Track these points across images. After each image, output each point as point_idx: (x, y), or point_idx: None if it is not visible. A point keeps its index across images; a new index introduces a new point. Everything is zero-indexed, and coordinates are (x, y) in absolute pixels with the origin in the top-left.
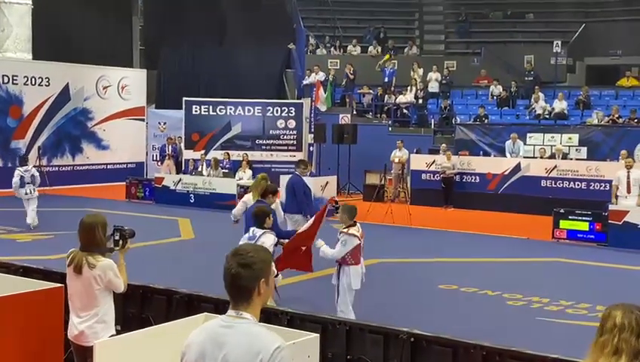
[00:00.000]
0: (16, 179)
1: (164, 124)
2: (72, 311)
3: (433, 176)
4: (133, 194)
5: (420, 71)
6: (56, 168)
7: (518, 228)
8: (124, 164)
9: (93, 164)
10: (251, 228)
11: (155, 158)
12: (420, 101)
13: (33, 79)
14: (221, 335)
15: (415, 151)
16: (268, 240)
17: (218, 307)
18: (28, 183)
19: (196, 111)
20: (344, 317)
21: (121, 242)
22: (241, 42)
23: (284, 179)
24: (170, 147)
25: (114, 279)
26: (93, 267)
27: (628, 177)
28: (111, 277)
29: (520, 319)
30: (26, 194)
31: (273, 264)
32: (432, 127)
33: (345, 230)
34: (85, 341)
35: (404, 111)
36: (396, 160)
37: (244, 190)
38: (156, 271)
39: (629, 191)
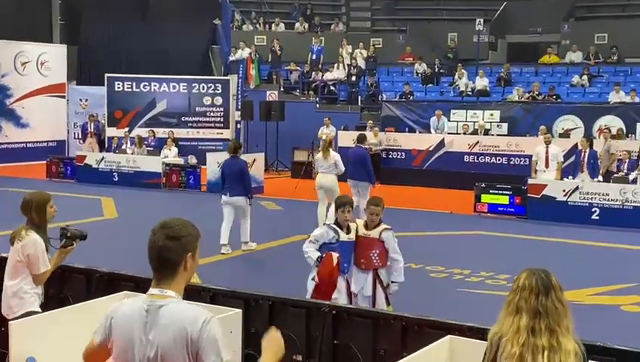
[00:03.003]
0: None
1: (86, 101)
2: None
3: None
4: (54, 173)
5: (349, 47)
6: None
7: (442, 203)
8: (44, 142)
9: (12, 143)
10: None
11: (76, 136)
12: (354, 78)
13: None
14: (147, 321)
15: (342, 128)
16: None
17: (139, 285)
18: None
19: (119, 87)
20: (266, 293)
21: (64, 241)
22: (165, 17)
23: (211, 157)
24: (92, 125)
25: (32, 255)
26: (19, 240)
27: (547, 152)
28: (30, 252)
29: (442, 290)
30: None
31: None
32: (359, 104)
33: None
34: (5, 313)
35: (332, 88)
36: (324, 137)
37: (169, 168)
38: (77, 252)
39: (547, 166)
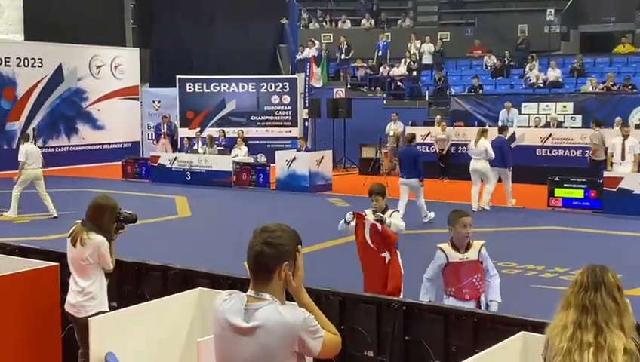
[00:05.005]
0: None
1: (159, 102)
2: (70, 280)
3: (428, 148)
4: (129, 174)
5: (418, 43)
6: (52, 149)
7: (514, 197)
8: (119, 143)
9: (88, 145)
10: None
11: (150, 137)
12: (415, 73)
13: (26, 60)
14: (248, 321)
15: (410, 123)
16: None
17: (214, 281)
18: None
19: (190, 89)
20: (337, 289)
21: (116, 224)
22: (233, 18)
23: (280, 155)
24: (165, 125)
25: (102, 255)
26: (84, 244)
27: (623, 144)
28: (102, 252)
29: (515, 287)
30: None
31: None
32: (427, 99)
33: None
34: (75, 311)
35: (399, 83)
36: (391, 133)
37: (239, 167)
38: (154, 250)
39: (623, 158)
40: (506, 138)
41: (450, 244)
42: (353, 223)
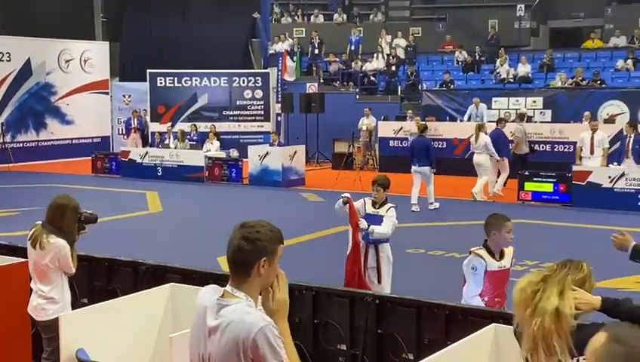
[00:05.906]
0: None
1: (129, 97)
2: (31, 283)
3: (401, 143)
4: (99, 169)
5: (388, 37)
6: (21, 144)
7: (485, 192)
8: (89, 138)
9: (57, 140)
10: None
11: (120, 132)
12: (393, 68)
13: None
14: (215, 317)
15: (382, 118)
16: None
17: (185, 277)
18: None
19: (161, 83)
20: (310, 283)
21: (77, 225)
22: (204, 12)
23: (252, 150)
24: (135, 120)
25: (63, 259)
26: (43, 247)
27: (592, 138)
28: (60, 257)
29: None
30: None
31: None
32: (399, 93)
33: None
34: (36, 314)
35: (372, 78)
36: (364, 127)
37: (212, 161)
38: (125, 245)
39: (592, 152)
40: (503, 129)
41: (487, 250)
42: (346, 208)
